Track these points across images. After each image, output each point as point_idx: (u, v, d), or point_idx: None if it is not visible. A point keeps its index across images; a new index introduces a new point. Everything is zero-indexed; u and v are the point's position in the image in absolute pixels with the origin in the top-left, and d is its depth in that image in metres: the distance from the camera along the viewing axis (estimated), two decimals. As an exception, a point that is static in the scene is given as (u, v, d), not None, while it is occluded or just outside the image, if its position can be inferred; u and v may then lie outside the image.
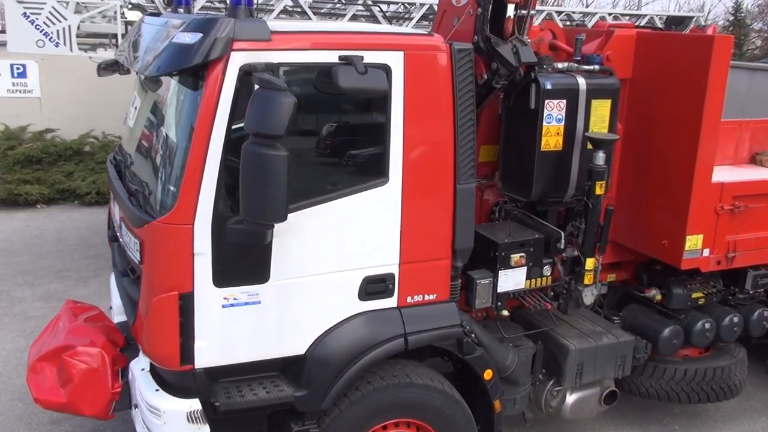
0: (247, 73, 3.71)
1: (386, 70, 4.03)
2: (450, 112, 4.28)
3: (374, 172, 4.19)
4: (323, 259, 4.15)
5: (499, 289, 4.76)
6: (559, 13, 10.84)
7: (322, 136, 4.17)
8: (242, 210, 3.51)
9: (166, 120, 4.23)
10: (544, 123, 4.76)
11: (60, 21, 7.97)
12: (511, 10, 4.55)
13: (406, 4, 10.57)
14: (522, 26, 4.80)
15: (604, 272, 5.71)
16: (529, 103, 4.77)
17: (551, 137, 4.79)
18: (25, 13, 7.83)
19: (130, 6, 8.51)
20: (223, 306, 3.96)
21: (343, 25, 4.48)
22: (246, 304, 4.01)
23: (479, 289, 4.70)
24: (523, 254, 4.76)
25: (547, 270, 4.90)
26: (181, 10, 5.29)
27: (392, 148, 4.15)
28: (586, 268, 4.94)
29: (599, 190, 4.77)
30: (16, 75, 13.09)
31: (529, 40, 4.95)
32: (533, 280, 4.87)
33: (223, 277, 3.92)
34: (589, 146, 4.78)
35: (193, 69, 3.75)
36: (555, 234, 4.88)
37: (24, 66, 12.97)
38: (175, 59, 3.73)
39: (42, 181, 12.30)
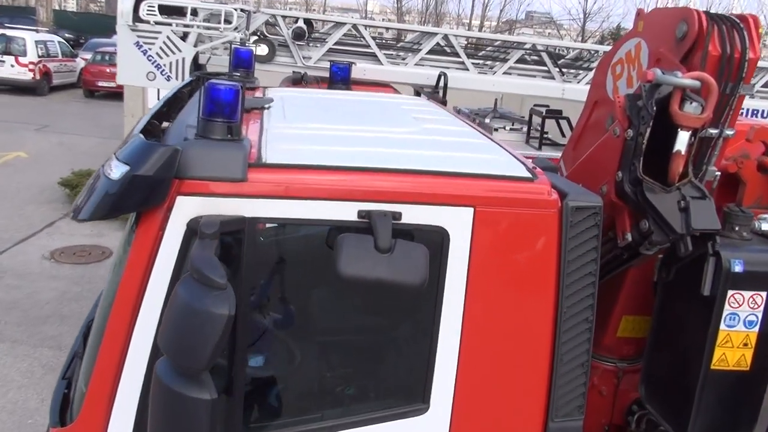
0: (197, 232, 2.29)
1: (439, 237, 2.43)
2: (549, 307, 2.56)
3: (406, 393, 2.59)
4: None
5: None
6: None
7: (325, 331, 2.65)
8: None
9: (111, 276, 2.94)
10: (723, 326, 2.84)
11: (174, 53, 7.14)
12: (684, 141, 2.70)
13: (592, 51, 8.64)
14: (705, 157, 2.95)
15: None
16: (700, 287, 2.89)
17: (733, 350, 2.86)
18: (137, 42, 7.07)
19: (255, 39, 7.48)
20: None
21: (398, 145, 2.84)
22: None
23: None
24: None
25: None
26: (239, 74, 4.05)
27: (439, 360, 2.52)
28: None
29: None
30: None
31: (715, 173, 3.08)
32: None
33: None
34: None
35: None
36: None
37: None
38: (94, 202, 2.38)
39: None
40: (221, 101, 2.43)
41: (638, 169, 2.76)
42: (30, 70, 23.28)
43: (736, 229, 2.93)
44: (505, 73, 7.99)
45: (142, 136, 2.39)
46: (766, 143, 3.78)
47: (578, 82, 8.03)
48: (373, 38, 7.93)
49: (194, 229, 2.26)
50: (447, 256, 2.45)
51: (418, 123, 3.24)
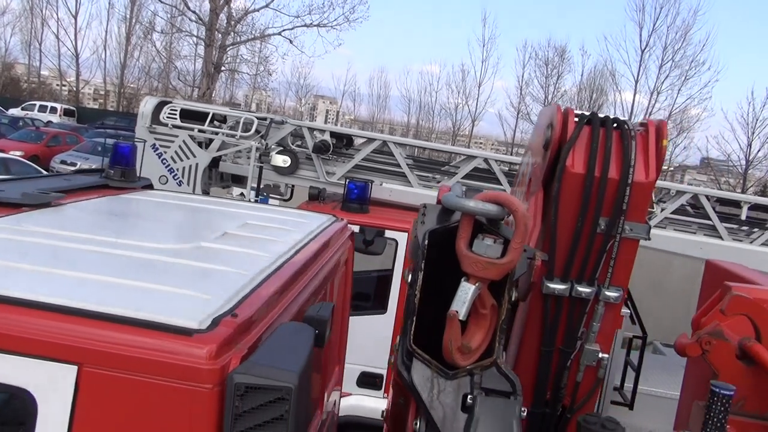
0: None
1: (20, 405, 1.59)
2: None
3: None
4: None
5: None
6: None
7: None
8: None
9: None
10: None
11: (188, 158, 6.84)
12: (466, 297, 1.67)
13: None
14: (578, 327, 1.91)
15: None
16: None
17: None
18: (154, 145, 6.86)
19: (279, 149, 7.04)
20: None
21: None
22: None
23: None
24: None
25: None
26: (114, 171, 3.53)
27: None
28: None
29: None
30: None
31: (598, 354, 1.99)
32: None
33: None
34: None
35: None
36: None
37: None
38: None
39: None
40: None
41: (408, 336, 1.75)
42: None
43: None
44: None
45: None
46: (753, 320, 2.59)
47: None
48: (413, 158, 7.23)
49: None
50: (29, 438, 1.57)
51: (200, 239, 2.43)
